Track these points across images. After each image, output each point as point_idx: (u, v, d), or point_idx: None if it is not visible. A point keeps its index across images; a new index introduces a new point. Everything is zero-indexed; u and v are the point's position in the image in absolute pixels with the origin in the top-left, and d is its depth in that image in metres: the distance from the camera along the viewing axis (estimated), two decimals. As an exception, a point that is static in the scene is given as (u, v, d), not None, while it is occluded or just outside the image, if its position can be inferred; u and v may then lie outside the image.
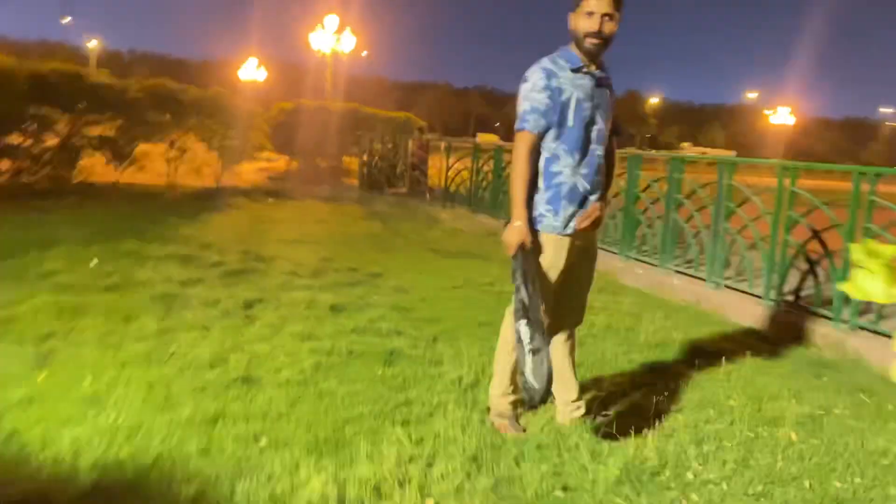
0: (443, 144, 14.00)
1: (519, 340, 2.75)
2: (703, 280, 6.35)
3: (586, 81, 2.96)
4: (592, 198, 3.02)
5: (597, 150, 3.01)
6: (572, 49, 2.98)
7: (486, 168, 11.69)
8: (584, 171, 2.98)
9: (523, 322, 2.74)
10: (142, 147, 12.76)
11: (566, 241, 3.00)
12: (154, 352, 3.79)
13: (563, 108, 2.92)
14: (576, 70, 2.94)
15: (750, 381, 4.00)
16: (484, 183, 11.64)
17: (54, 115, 11.38)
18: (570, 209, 2.97)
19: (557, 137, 2.94)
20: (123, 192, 11.25)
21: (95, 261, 5.86)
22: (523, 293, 2.76)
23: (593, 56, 2.96)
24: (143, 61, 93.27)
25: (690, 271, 6.64)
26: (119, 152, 12.34)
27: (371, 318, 4.76)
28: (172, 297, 4.93)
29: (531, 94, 2.92)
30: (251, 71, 57.08)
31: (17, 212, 8.52)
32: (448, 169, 12.75)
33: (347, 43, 29.44)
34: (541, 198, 2.97)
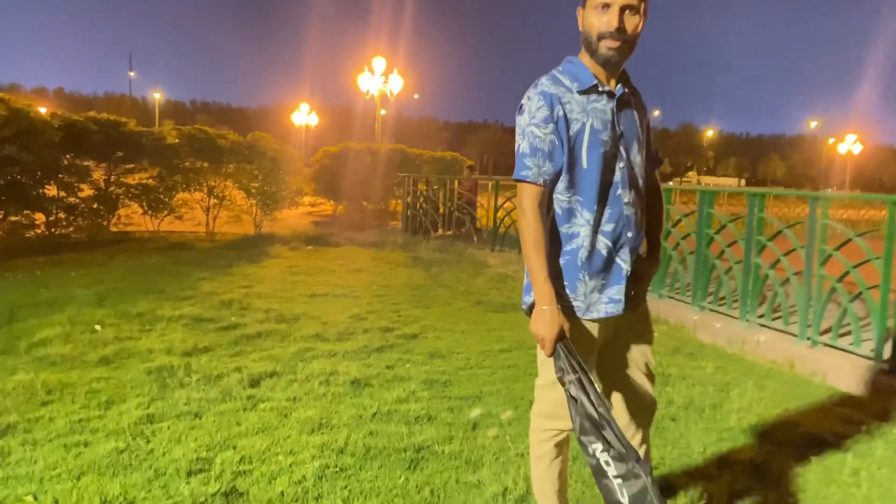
0: (490, 183, 13.29)
1: (598, 470, 1.90)
2: (795, 336, 5.35)
3: (603, 103, 2.11)
4: (624, 263, 2.15)
5: (626, 195, 2.13)
6: (581, 59, 2.14)
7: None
8: (608, 226, 2.11)
9: (597, 445, 1.88)
10: (180, 195, 12.43)
11: (594, 327, 2.16)
12: (126, 452, 3.07)
13: (574, 143, 2.08)
14: (587, 91, 2.09)
15: (890, 484, 3.03)
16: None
17: (90, 165, 11.14)
18: (595, 282, 2.12)
19: (570, 186, 2.09)
20: (159, 242, 10.83)
21: (98, 327, 5.25)
22: (585, 403, 1.91)
23: (612, 66, 2.11)
24: (205, 110, 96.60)
25: (779, 325, 5.64)
26: (156, 201, 12.03)
27: (399, 396, 3.96)
28: (171, 371, 4.23)
29: (529, 128, 2.08)
30: (303, 116, 58.21)
31: (42, 266, 8.12)
32: (496, 209, 11.99)
33: (395, 84, 29.32)
34: (552, 269, 2.11)
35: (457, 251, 11.20)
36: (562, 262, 2.12)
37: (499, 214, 12.09)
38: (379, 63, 28.72)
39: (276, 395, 3.90)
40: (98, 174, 11.41)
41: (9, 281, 7.21)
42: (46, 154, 9.81)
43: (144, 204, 12.00)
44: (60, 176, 10.59)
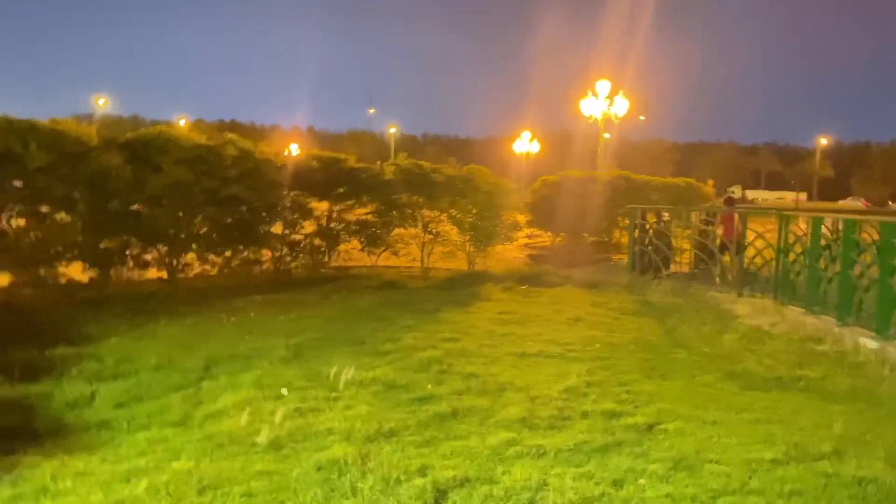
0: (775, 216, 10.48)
1: None
2: None
3: None
4: None
5: None
6: None
7: (798, 245, 8.93)
8: None
9: None
10: (397, 230, 12.22)
11: None
12: None
13: None
14: None
15: None
16: (796, 266, 8.87)
17: (312, 202, 11.30)
18: None
19: None
20: (373, 280, 10.59)
21: (285, 391, 4.72)
22: None
23: None
24: (435, 142, 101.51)
25: None
26: (374, 237, 11.91)
27: (631, 541, 2.79)
28: (344, 467, 3.45)
29: None
30: (525, 144, 58.35)
31: (258, 307, 8.08)
32: (781, 250, 9.49)
33: (620, 107, 27.75)
34: None
35: (695, 296, 9.58)
36: None
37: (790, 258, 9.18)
38: (603, 86, 27.38)
39: (462, 525, 2.93)
40: (320, 211, 11.54)
41: (222, 325, 7.15)
42: (271, 192, 10.00)
43: (363, 239, 11.95)
44: (285, 213, 10.81)
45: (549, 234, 17.16)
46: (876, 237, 7.66)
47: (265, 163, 9.98)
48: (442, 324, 7.31)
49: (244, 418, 4.17)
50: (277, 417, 4.20)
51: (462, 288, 10.02)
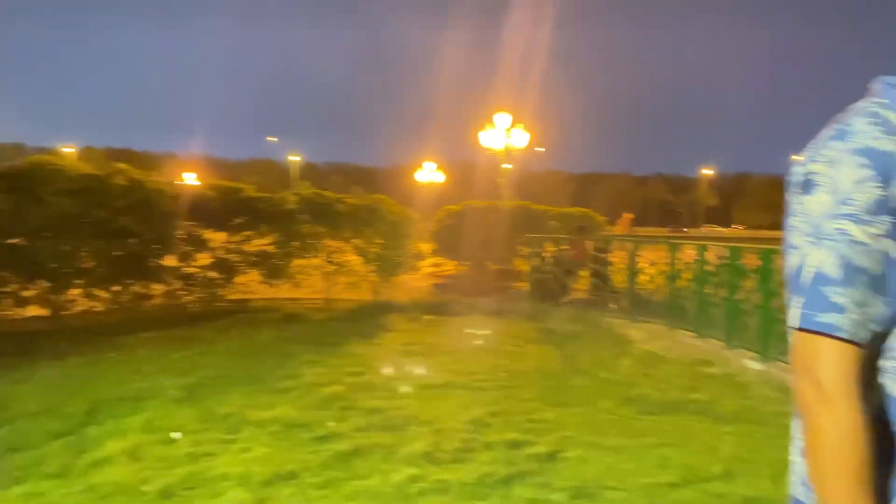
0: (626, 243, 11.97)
1: None
2: None
3: None
4: None
5: None
6: None
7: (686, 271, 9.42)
8: None
9: None
10: (298, 261, 11.96)
11: None
12: None
13: None
14: None
15: None
16: (686, 291, 9.33)
17: (208, 233, 10.91)
18: None
19: None
20: (273, 313, 10.30)
21: (177, 435, 4.46)
22: None
23: None
24: (338, 171, 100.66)
25: None
26: (274, 268, 11.61)
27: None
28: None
29: (837, 224, 0.95)
30: (428, 173, 58.87)
31: (148, 344, 7.66)
32: (633, 272, 10.66)
33: (520, 139, 28.51)
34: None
35: (592, 322, 9.87)
36: None
37: (640, 279, 10.73)
38: (502, 118, 28.10)
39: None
40: (217, 241, 11.15)
41: (109, 363, 6.73)
42: (163, 223, 9.58)
43: (263, 271, 11.62)
44: (178, 245, 10.37)
45: (454, 262, 17.30)
46: (759, 263, 8.15)
47: (157, 192, 9.57)
48: (346, 357, 7.18)
49: (131, 467, 3.90)
50: (168, 464, 3.96)
51: (366, 319, 9.90)
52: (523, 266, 15.65)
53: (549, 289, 12.11)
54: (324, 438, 4.48)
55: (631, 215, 17.56)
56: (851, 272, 0.93)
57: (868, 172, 0.94)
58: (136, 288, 9.82)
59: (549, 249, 12.91)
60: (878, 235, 0.93)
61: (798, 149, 1.06)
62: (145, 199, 9.19)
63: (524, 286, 14.15)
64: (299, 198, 11.93)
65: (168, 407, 5.09)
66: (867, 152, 0.95)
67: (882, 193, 0.93)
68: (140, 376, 6.08)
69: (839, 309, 0.93)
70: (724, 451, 4.34)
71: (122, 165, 9.34)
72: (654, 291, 10.50)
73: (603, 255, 12.04)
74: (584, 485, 3.78)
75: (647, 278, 10.71)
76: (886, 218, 0.93)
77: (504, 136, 27.98)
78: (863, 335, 0.93)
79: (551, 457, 4.22)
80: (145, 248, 9.86)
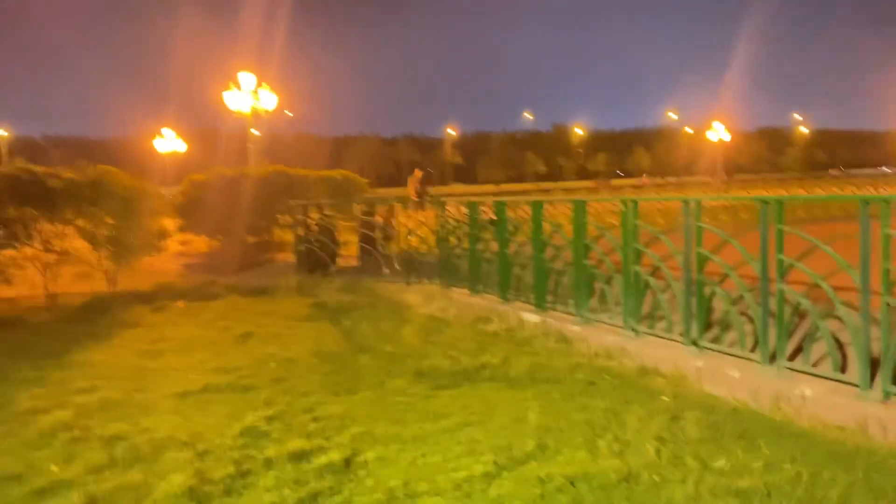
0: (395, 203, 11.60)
1: None
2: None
3: None
4: None
5: None
6: None
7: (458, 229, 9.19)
8: None
9: None
10: (6, 254, 9.75)
11: None
12: None
13: None
14: None
15: None
16: (457, 249, 9.10)
17: None
18: None
19: None
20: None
21: None
22: None
23: None
24: (60, 145, 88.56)
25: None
26: (-29, 264, 9.34)
27: None
28: None
29: None
30: (169, 142, 53.96)
31: None
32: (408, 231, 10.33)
33: (268, 101, 26.86)
34: None
35: (367, 290, 9.32)
36: None
37: (409, 236, 10.39)
38: (247, 78, 26.20)
39: None
40: None
41: None
42: None
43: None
44: None
45: (205, 238, 15.68)
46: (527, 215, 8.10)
47: None
48: (75, 369, 5.79)
49: None
50: None
51: (102, 315, 8.33)
52: (286, 236, 14.60)
53: (318, 259, 11.29)
54: (43, 493, 3.33)
55: (420, 172, 17.10)
56: None
57: None
58: None
59: (315, 216, 12.05)
60: None
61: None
62: None
63: (289, 257, 13.16)
64: (-1, 175, 9.67)
65: None
66: None
67: None
68: None
69: None
70: (530, 421, 4.01)
71: None
72: (427, 252, 10.21)
73: (369, 219, 11.50)
74: (392, 495, 3.16)
75: (418, 240, 10.39)
76: None
77: (251, 97, 26.27)
78: None
79: (347, 464, 3.54)
80: None
